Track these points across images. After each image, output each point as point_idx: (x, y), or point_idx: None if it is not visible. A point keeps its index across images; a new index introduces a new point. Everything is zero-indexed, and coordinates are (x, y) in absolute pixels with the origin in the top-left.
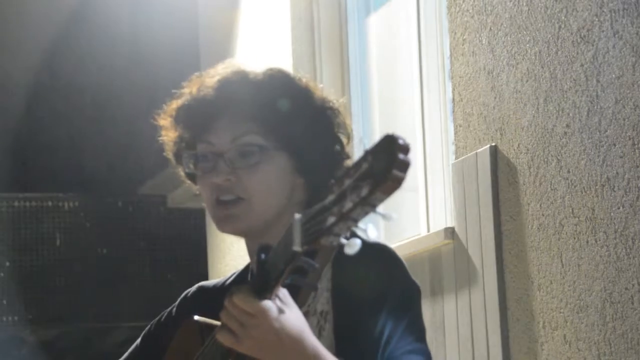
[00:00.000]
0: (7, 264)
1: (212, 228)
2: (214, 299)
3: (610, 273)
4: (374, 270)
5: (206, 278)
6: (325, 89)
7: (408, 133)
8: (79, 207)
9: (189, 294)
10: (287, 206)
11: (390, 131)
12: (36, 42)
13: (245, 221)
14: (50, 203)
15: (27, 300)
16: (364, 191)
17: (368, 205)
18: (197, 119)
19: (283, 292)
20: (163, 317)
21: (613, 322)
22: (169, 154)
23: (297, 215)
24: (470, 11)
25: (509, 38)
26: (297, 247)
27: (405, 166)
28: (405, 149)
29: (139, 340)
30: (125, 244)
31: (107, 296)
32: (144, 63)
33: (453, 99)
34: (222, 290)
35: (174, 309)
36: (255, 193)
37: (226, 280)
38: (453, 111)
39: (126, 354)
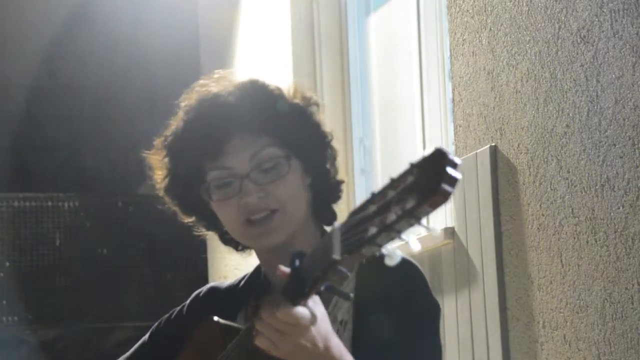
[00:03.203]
0: (7, 264)
1: None
2: (225, 301)
3: (610, 273)
4: (396, 285)
5: (206, 278)
6: (325, 89)
7: (408, 133)
8: (79, 207)
9: (201, 294)
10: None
11: (438, 145)
12: (36, 42)
13: (283, 232)
14: (50, 203)
15: (27, 300)
16: (410, 204)
17: (413, 217)
18: (201, 147)
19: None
20: (173, 315)
21: (613, 322)
22: (164, 191)
23: (337, 224)
24: (470, 11)
25: (509, 38)
26: (336, 255)
27: (454, 181)
28: (455, 164)
29: (146, 336)
30: (125, 244)
31: (107, 296)
32: (144, 63)
33: (453, 99)
34: (234, 292)
35: (185, 307)
36: (288, 201)
37: (239, 283)
38: (453, 111)
39: (133, 350)
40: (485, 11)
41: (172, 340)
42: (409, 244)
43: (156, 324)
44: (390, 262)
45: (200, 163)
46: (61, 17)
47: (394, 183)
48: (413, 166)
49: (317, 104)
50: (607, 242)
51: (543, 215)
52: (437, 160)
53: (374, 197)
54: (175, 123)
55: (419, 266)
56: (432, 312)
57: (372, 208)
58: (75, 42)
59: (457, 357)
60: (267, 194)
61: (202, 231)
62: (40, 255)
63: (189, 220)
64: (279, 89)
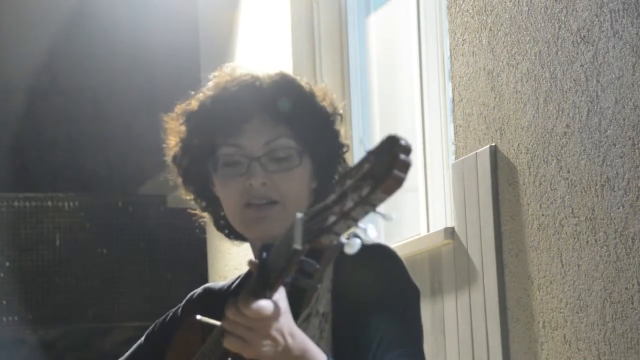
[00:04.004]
0: (7, 264)
1: (212, 228)
2: (219, 301)
3: (610, 273)
4: (372, 271)
5: (206, 278)
6: None
7: (408, 133)
8: (79, 207)
9: (195, 295)
10: None
11: (392, 132)
12: (36, 42)
13: (278, 224)
14: (50, 203)
15: (27, 300)
16: (365, 191)
17: (368, 204)
18: (220, 122)
19: None
20: (168, 317)
21: (613, 322)
22: (172, 158)
23: (299, 214)
24: (470, 11)
25: (509, 38)
26: (297, 245)
27: (406, 166)
28: (407, 150)
29: (142, 339)
30: (125, 244)
31: (107, 296)
32: (144, 63)
33: (453, 99)
34: (228, 292)
35: (179, 309)
36: (290, 196)
37: (232, 283)
38: (453, 111)
39: (129, 352)
40: (485, 11)
41: (166, 342)
42: (366, 231)
43: (152, 326)
44: (350, 250)
45: (214, 136)
46: (61, 18)
47: (351, 171)
48: (369, 153)
49: (341, 115)
50: (607, 242)
51: (543, 215)
52: (390, 147)
53: (334, 186)
54: (202, 93)
55: (396, 252)
56: (412, 296)
57: (332, 197)
58: (75, 42)
59: (457, 357)
60: (272, 183)
61: (198, 212)
62: (40, 255)
63: (188, 197)
64: (310, 87)
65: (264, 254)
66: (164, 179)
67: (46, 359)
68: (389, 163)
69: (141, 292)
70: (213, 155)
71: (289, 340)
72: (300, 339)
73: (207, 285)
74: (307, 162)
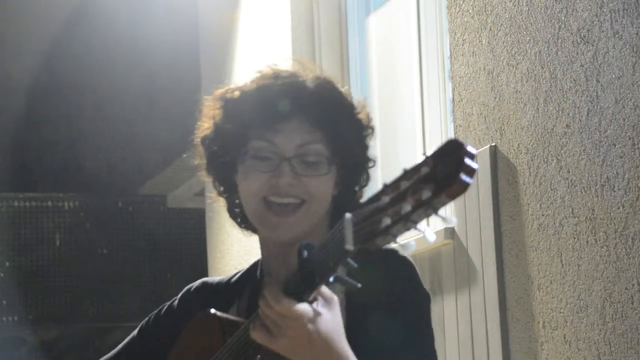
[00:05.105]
0: (7, 264)
1: (212, 228)
2: (217, 295)
3: (610, 273)
4: (387, 276)
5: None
6: None
7: (408, 133)
8: (79, 207)
9: (192, 289)
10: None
11: (452, 137)
12: (36, 42)
13: (302, 228)
14: (50, 203)
15: (27, 300)
16: (426, 194)
17: (431, 208)
18: (259, 115)
19: (327, 291)
20: (163, 310)
21: (613, 322)
22: (201, 139)
23: (349, 215)
24: (470, 11)
25: (509, 38)
26: (349, 246)
27: (472, 171)
28: (472, 155)
29: (135, 332)
30: (125, 244)
31: (107, 296)
32: (144, 63)
33: (453, 99)
34: (226, 287)
35: (176, 302)
36: (316, 198)
37: (231, 278)
38: (453, 111)
39: (121, 346)
40: (485, 11)
41: (163, 336)
42: (424, 234)
43: (145, 319)
44: (405, 251)
45: (249, 128)
46: (61, 18)
47: (407, 174)
48: (428, 157)
49: (373, 129)
50: (607, 242)
51: (543, 215)
52: (454, 151)
53: (387, 189)
54: (246, 82)
55: (409, 257)
56: (424, 302)
57: (385, 199)
58: (75, 42)
59: (457, 357)
60: (298, 184)
61: (213, 196)
62: (40, 255)
63: (207, 179)
64: (350, 97)
65: (305, 252)
66: (164, 179)
67: (46, 359)
68: (456, 167)
69: (141, 292)
70: (244, 146)
71: (317, 346)
72: (335, 353)
73: (204, 279)
74: (333, 171)
